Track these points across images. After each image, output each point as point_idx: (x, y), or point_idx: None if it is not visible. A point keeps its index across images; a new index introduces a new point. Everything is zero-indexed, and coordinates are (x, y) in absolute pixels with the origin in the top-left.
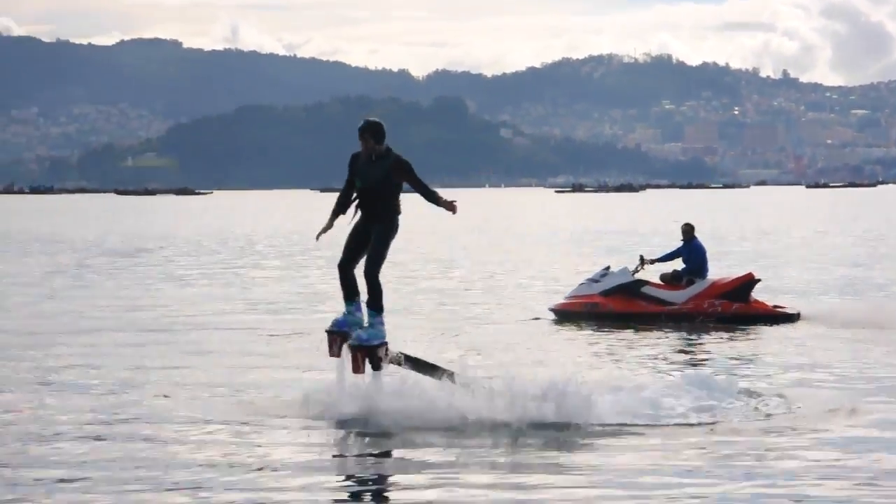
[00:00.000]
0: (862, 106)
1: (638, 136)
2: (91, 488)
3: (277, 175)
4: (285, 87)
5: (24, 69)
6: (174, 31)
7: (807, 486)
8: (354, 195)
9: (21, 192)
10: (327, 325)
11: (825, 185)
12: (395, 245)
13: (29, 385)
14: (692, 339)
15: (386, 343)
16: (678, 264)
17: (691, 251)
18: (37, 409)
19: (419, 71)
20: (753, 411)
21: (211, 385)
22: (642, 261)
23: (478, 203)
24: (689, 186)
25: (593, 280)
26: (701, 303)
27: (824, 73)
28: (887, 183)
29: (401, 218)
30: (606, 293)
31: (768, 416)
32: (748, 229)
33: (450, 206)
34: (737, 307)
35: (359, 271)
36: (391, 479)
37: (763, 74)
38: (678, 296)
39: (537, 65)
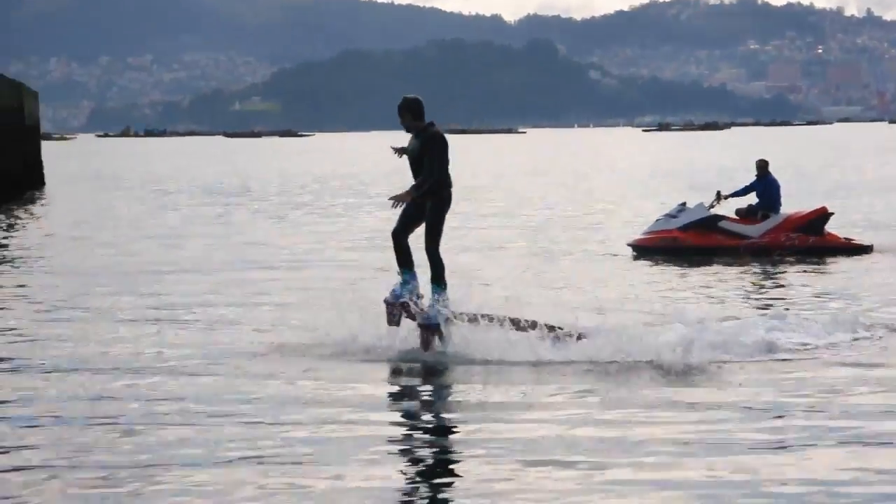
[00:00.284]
0: None
1: (723, 76)
2: (174, 420)
3: (376, 117)
4: (383, 32)
5: (139, 19)
6: None
7: None
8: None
9: (136, 135)
10: (385, 294)
11: None
12: (482, 183)
13: (148, 319)
14: (776, 273)
15: (439, 324)
16: (752, 199)
17: (766, 186)
18: (152, 344)
19: (511, 15)
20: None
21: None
22: (718, 196)
23: (566, 142)
24: (773, 124)
25: (670, 215)
26: (777, 236)
27: None
28: None
29: (453, 190)
30: (684, 228)
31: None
32: (824, 164)
33: (398, 197)
34: (813, 240)
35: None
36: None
37: (847, 13)
38: (754, 230)
39: (625, 8)
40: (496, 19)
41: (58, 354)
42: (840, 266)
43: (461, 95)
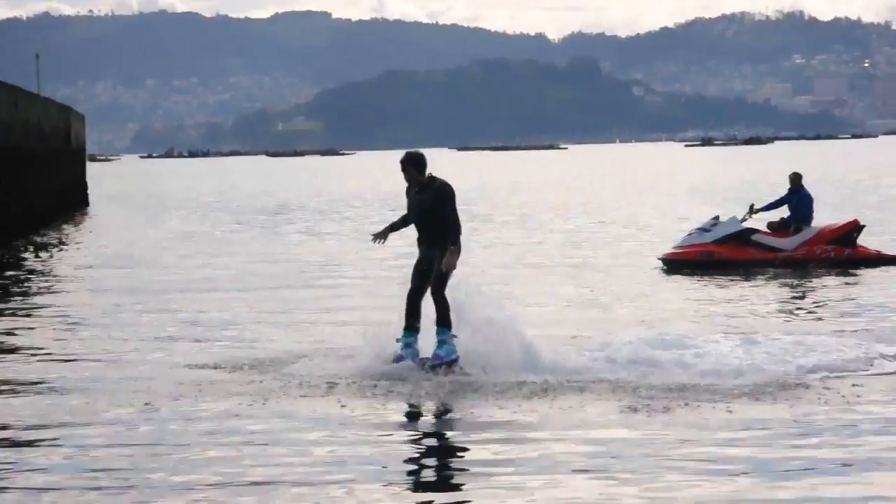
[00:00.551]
0: None
1: (768, 91)
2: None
3: (418, 135)
4: (428, 52)
5: (185, 43)
6: (324, 3)
7: None
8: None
9: (180, 155)
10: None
11: None
12: (518, 200)
13: (185, 335)
14: (813, 286)
15: (458, 357)
16: (783, 212)
17: (799, 199)
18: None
19: (555, 34)
20: None
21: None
22: (751, 209)
23: (605, 158)
24: (818, 138)
25: (704, 229)
26: (811, 249)
27: None
28: None
29: (462, 237)
30: (719, 241)
31: None
32: (863, 176)
33: (449, 263)
34: (849, 252)
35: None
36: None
37: (895, 27)
38: (788, 243)
39: (670, 25)
40: (540, 38)
41: (78, 376)
42: (866, 277)
43: (504, 113)
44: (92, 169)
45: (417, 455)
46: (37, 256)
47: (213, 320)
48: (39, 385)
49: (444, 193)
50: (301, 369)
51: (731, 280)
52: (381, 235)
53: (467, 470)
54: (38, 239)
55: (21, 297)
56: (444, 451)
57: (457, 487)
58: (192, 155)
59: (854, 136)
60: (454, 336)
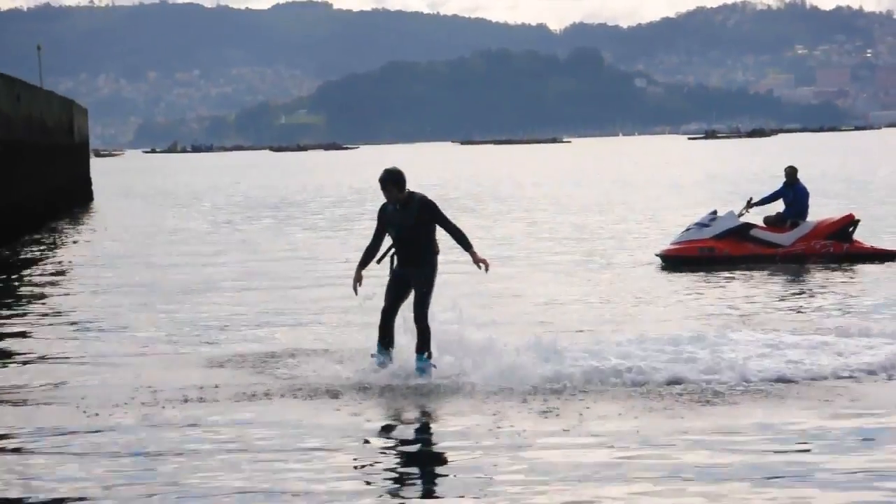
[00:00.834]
0: None
1: (770, 82)
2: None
3: (421, 129)
4: (429, 43)
5: (187, 34)
6: None
7: None
8: (390, 246)
9: (183, 150)
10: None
11: None
12: (511, 192)
13: (192, 334)
14: (816, 281)
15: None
16: (778, 206)
17: (795, 194)
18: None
19: (557, 24)
20: None
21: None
22: (749, 203)
23: (609, 151)
24: (821, 130)
25: (703, 224)
26: (810, 244)
27: None
28: None
29: (439, 258)
30: (719, 237)
31: None
32: (860, 170)
33: (480, 261)
34: (847, 247)
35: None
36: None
37: None
38: (785, 238)
39: (672, 15)
40: (542, 28)
41: (77, 381)
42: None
43: (506, 105)
44: (96, 164)
45: (421, 465)
46: (41, 254)
47: (216, 319)
48: (36, 391)
49: (431, 206)
50: (301, 372)
51: (732, 275)
52: (358, 280)
53: (453, 475)
54: (40, 236)
55: (21, 298)
56: (432, 459)
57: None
58: (196, 149)
59: (858, 128)
60: (433, 366)
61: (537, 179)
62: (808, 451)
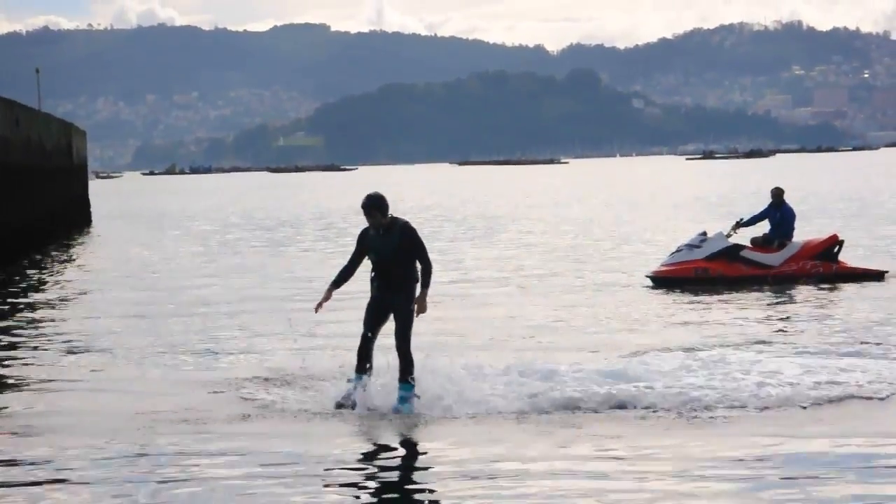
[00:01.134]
0: None
1: (768, 103)
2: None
3: (419, 150)
4: (426, 65)
5: (185, 56)
6: (323, 15)
7: None
8: (372, 269)
9: (182, 172)
10: (334, 401)
11: None
12: (506, 213)
13: (198, 350)
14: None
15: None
16: (764, 226)
17: (782, 215)
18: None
19: (554, 45)
20: None
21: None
22: (738, 224)
23: (606, 172)
24: (819, 150)
25: (693, 245)
26: (799, 264)
27: None
28: None
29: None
30: (710, 258)
31: None
32: (853, 190)
33: (419, 304)
34: (836, 267)
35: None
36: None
37: (894, 37)
38: (774, 258)
39: (669, 36)
40: (539, 50)
41: (75, 406)
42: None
43: (504, 127)
44: (95, 187)
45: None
46: (39, 276)
47: (213, 341)
48: (33, 417)
49: (413, 232)
50: (295, 395)
51: (725, 297)
52: (326, 299)
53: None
54: (38, 258)
55: (18, 321)
56: (414, 487)
57: None
58: (194, 171)
59: (856, 149)
60: (417, 396)
61: (534, 201)
62: (816, 477)
